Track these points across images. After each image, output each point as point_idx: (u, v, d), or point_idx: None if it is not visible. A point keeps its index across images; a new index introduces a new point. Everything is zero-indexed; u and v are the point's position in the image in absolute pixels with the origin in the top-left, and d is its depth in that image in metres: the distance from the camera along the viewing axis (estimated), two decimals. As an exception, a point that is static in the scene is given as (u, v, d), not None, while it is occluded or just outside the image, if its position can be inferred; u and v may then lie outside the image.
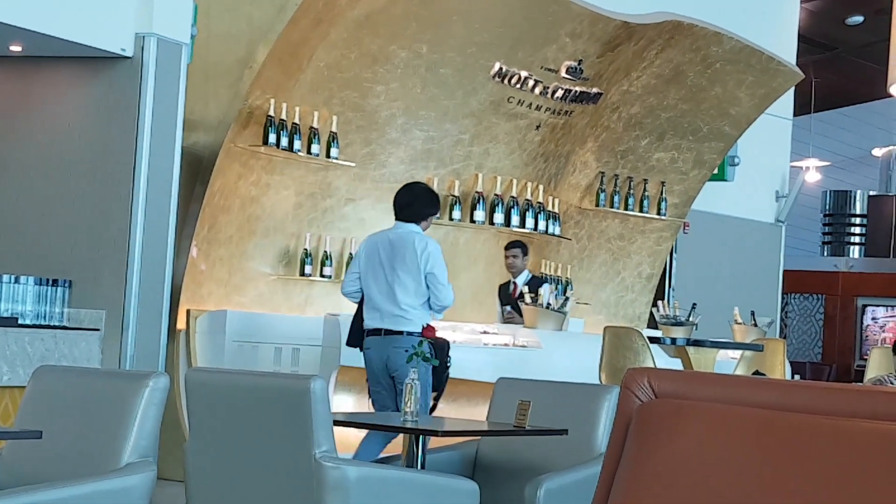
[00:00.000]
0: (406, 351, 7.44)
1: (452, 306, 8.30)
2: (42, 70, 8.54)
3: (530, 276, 11.52)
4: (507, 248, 11.40)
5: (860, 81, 20.91)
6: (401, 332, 7.99)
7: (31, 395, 5.14)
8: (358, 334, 8.28)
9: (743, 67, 12.27)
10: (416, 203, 8.18)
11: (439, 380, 8.26)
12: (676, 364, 10.70)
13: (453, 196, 11.05)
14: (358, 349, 8.32)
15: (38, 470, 4.86)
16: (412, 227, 8.12)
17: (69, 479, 4.64)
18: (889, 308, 20.07)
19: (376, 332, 8.06)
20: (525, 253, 11.36)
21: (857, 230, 22.04)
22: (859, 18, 18.29)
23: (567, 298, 11.55)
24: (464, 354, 10.27)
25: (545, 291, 11.12)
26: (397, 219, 8.19)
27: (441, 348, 8.23)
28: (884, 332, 19.63)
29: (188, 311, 9.46)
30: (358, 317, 8.29)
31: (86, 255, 8.20)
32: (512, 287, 11.42)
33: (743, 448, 2.11)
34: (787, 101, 14.72)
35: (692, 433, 2.15)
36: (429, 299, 8.06)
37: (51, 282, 8.05)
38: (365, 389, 9.82)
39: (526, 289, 11.16)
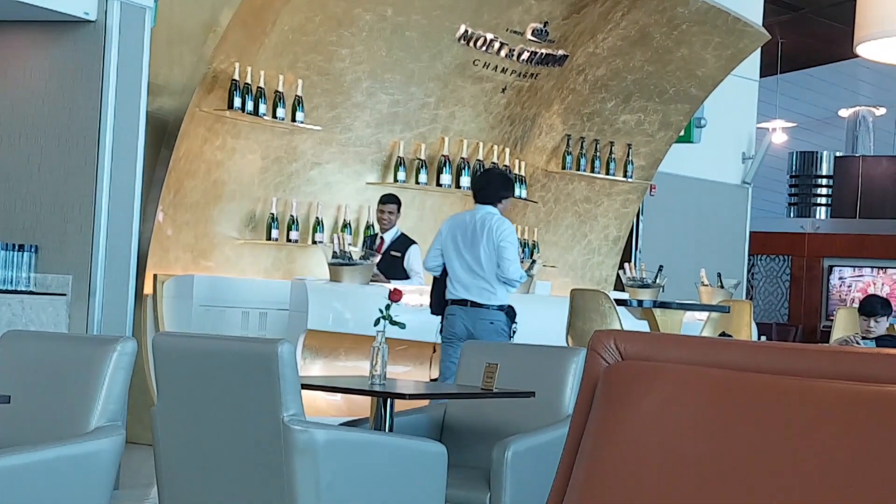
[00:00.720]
0: (491, 323, 8.73)
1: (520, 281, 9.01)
2: (4, 34, 8.47)
3: (399, 233, 10.77)
4: (382, 202, 10.64)
5: (826, 42, 20.95)
6: (484, 305, 8.81)
7: (-2, 361, 5.13)
8: (440, 304, 9.03)
9: (709, 28, 12.28)
10: (490, 186, 8.96)
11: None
12: (643, 326, 10.75)
13: (419, 160, 11.04)
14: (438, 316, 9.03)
15: (5, 435, 4.86)
16: (489, 208, 8.88)
17: (37, 443, 4.64)
18: (856, 269, 20.18)
19: (462, 302, 8.86)
20: (399, 209, 10.71)
21: (824, 191, 22.13)
22: (825, -21, 18.31)
23: (534, 261, 11.57)
24: (431, 318, 10.29)
25: (412, 254, 10.57)
26: (476, 202, 8.96)
27: (510, 315, 8.91)
28: (852, 292, 19.74)
29: (155, 276, 9.44)
30: (438, 288, 9.06)
31: (51, 220, 8.17)
32: (378, 241, 10.67)
33: (709, 409, 2.13)
34: (753, 62, 14.74)
35: (659, 394, 2.16)
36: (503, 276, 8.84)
37: (17, 247, 8.02)
38: (332, 353, 9.83)
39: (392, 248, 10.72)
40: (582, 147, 12.72)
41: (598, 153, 12.85)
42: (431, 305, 9.16)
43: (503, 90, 11.47)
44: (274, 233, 10.26)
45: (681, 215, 14.62)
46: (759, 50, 13.84)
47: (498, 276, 8.80)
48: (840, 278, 20.09)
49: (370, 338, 6.50)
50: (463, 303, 8.83)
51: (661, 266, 11.83)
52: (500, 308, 8.84)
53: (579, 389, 2.32)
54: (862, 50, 4.04)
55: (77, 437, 4.71)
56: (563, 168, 12.60)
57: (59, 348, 5.13)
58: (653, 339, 2.33)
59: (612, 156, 12.93)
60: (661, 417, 2.13)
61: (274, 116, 9.90)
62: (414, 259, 10.58)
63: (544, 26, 11.27)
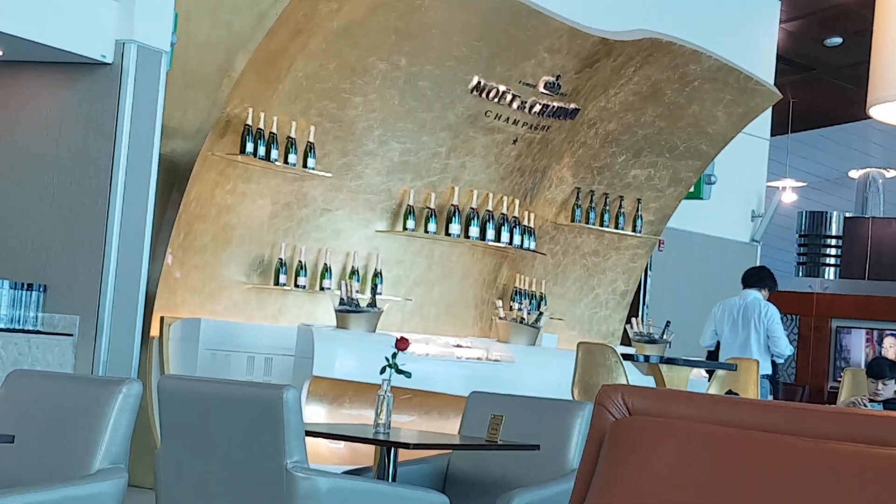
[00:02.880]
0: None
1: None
2: (22, 75, 8.53)
3: None
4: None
5: (838, 103, 20.99)
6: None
7: (4, 400, 5.12)
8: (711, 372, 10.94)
9: (721, 86, 12.30)
10: (762, 277, 11.30)
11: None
12: (649, 381, 10.72)
13: (429, 209, 11.06)
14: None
15: (9, 474, 4.85)
16: (756, 293, 11.10)
17: (41, 483, 4.63)
18: (868, 331, 20.14)
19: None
20: None
21: (833, 251, 22.10)
22: (838, 40, 18.35)
23: (541, 313, 11.56)
24: (436, 367, 10.28)
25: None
26: (745, 287, 11.22)
27: (772, 381, 11.12)
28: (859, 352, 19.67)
29: (162, 319, 9.44)
30: (713, 358, 11.40)
31: (61, 260, 8.19)
32: None
33: (716, 467, 2.12)
34: (764, 120, 14.78)
35: (666, 451, 2.16)
36: (769, 348, 10.92)
37: (25, 286, 8.03)
38: (337, 400, 9.83)
39: None
40: (591, 200, 12.73)
41: (607, 207, 12.86)
42: (708, 371, 11.01)
43: (514, 142, 11.49)
44: (282, 278, 10.26)
45: (689, 271, 14.61)
46: (770, 109, 13.87)
47: (770, 351, 10.83)
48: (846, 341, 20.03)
49: (375, 386, 6.49)
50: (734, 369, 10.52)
51: (668, 322, 11.80)
52: (766, 376, 10.74)
53: (586, 443, 2.32)
54: (875, 112, 4.05)
55: (80, 478, 4.70)
56: (573, 221, 12.61)
57: (65, 389, 5.13)
58: (660, 395, 2.33)
59: (622, 210, 12.94)
60: (668, 474, 2.12)
61: (285, 162, 9.92)
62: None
63: (557, 80, 11.31)
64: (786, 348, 10.97)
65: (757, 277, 11.28)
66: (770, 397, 10.39)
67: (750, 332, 10.87)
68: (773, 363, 11.53)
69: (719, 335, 11.20)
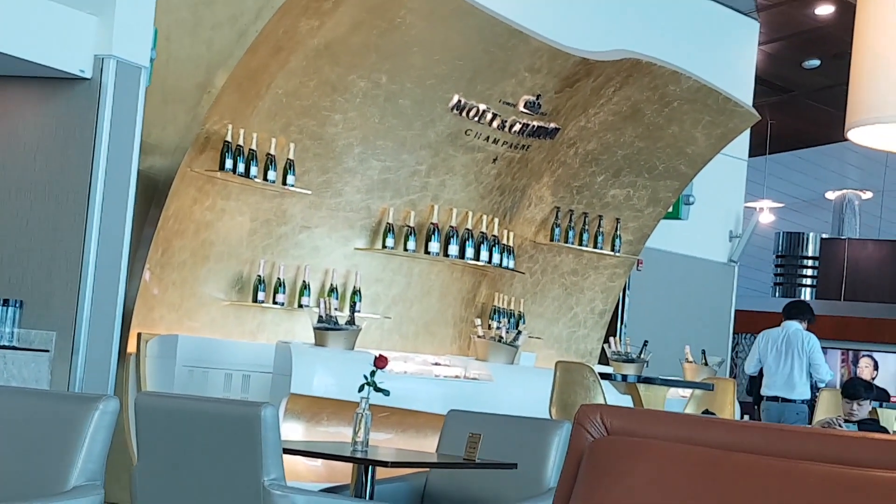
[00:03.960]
0: (797, 413, 11.85)
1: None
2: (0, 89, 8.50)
3: None
4: None
5: (815, 124, 21.08)
6: (792, 400, 12.06)
7: (-21, 416, 5.10)
8: (756, 395, 12.86)
9: (700, 107, 12.34)
10: (804, 311, 12.51)
11: None
12: (627, 401, 10.73)
13: (408, 227, 11.06)
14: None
15: (-17, 491, 4.82)
16: (797, 324, 12.29)
17: (16, 500, 4.61)
18: (843, 352, 20.20)
19: (774, 398, 12.21)
20: None
21: (809, 272, 22.18)
22: (816, 62, 18.43)
23: (519, 332, 11.56)
24: (415, 385, 10.26)
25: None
26: (786, 319, 12.43)
27: (810, 406, 12.09)
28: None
29: (139, 335, 9.42)
30: (754, 384, 13.16)
31: (38, 276, 8.16)
32: None
33: (693, 487, 2.12)
34: (742, 141, 14.82)
35: (644, 471, 2.16)
36: (810, 375, 12.05)
37: (2, 301, 8.00)
38: (314, 417, 9.82)
39: None
40: (571, 220, 12.74)
41: (586, 226, 12.88)
42: (749, 394, 13.28)
43: (494, 160, 11.51)
44: (260, 295, 10.24)
45: (667, 291, 14.64)
46: (748, 130, 13.92)
47: (814, 377, 11.99)
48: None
49: (353, 403, 6.48)
50: (775, 399, 12.09)
51: (646, 341, 11.82)
52: (804, 402, 11.94)
53: (564, 462, 2.32)
54: (853, 135, 4.07)
55: (55, 495, 4.68)
56: (552, 240, 12.62)
57: (40, 405, 5.11)
58: (638, 414, 2.33)
59: (601, 229, 12.96)
60: (647, 494, 2.12)
61: (265, 179, 9.91)
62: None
63: (537, 99, 11.33)
64: (826, 374, 12.22)
65: (798, 310, 12.55)
66: (807, 419, 11.61)
67: (793, 360, 12.06)
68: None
69: (763, 363, 12.35)
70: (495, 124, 11.21)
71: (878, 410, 11.36)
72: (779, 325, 12.71)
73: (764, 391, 12.40)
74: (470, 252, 11.44)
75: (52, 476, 4.75)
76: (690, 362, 12.72)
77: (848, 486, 2.05)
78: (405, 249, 11.06)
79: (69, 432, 4.80)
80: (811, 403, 12.01)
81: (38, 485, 4.75)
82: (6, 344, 7.93)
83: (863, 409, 9.31)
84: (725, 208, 15.44)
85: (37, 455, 4.85)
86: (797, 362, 12.11)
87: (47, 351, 7.98)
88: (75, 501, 4.66)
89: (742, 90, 14.23)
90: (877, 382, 17.16)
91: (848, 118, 3.99)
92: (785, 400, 12.11)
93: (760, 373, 12.79)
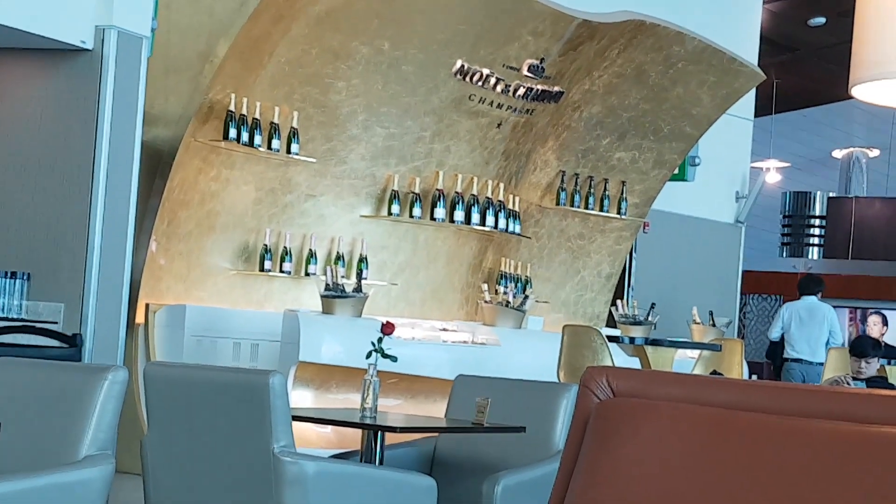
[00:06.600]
0: (818, 374, 13.35)
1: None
2: (1, 62, 8.49)
3: None
4: None
5: (821, 83, 21.02)
6: (813, 363, 13.78)
7: (-12, 388, 5.11)
8: (778, 358, 14.47)
9: (705, 68, 12.31)
10: (819, 284, 14.27)
11: None
12: (635, 363, 10.74)
13: (414, 193, 11.05)
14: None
15: (-6, 463, 4.84)
16: (814, 299, 14.11)
17: (27, 471, 4.62)
18: (851, 310, 20.19)
19: (798, 360, 13.96)
20: None
21: (816, 231, 22.16)
22: (821, 20, 18.37)
23: (526, 297, 11.57)
24: (423, 351, 10.28)
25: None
26: (802, 293, 14.21)
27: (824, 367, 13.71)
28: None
29: (147, 306, 9.43)
30: (775, 348, 14.67)
31: (44, 249, 8.16)
32: None
33: (700, 447, 2.12)
34: (748, 101, 14.78)
35: (650, 432, 2.16)
36: (828, 342, 13.78)
37: (9, 274, 8.01)
38: (323, 385, 9.84)
39: None
40: (576, 183, 12.73)
41: (592, 190, 12.86)
42: (769, 357, 15.19)
43: (499, 125, 11.49)
44: (267, 264, 10.25)
45: (674, 253, 14.63)
46: (754, 90, 13.88)
47: (831, 344, 13.63)
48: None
49: (361, 370, 6.49)
50: (798, 360, 13.87)
51: (653, 303, 11.83)
52: (821, 363, 13.36)
53: (571, 425, 2.32)
54: (857, 92, 4.05)
55: (66, 465, 4.69)
56: (558, 204, 12.61)
57: (50, 376, 5.12)
58: (645, 376, 2.33)
59: (607, 192, 12.94)
60: (653, 455, 2.13)
61: (269, 148, 9.90)
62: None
63: (540, 63, 11.30)
64: (842, 341, 14.22)
65: (814, 283, 14.31)
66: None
67: (815, 327, 13.89)
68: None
69: (785, 330, 14.05)
70: (499, 89, 11.19)
71: (887, 368, 11.38)
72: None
73: (788, 354, 14.04)
74: (476, 217, 11.43)
75: (63, 446, 4.77)
76: (698, 323, 12.73)
77: (856, 443, 2.05)
78: (411, 216, 11.06)
79: (79, 403, 4.81)
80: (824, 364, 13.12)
81: (50, 455, 4.76)
82: (15, 316, 7.94)
83: (871, 367, 9.30)
84: (731, 169, 15.41)
85: (47, 426, 4.87)
86: (818, 330, 13.89)
87: (56, 323, 8.00)
88: (87, 471, 4.68)
89: (747, 49, 14.18)
90: (886, 339, 17.18)
91: (852, 74, 3.97)
92: (808, 363, 13.83)
93: (781, 339, 14.34)
